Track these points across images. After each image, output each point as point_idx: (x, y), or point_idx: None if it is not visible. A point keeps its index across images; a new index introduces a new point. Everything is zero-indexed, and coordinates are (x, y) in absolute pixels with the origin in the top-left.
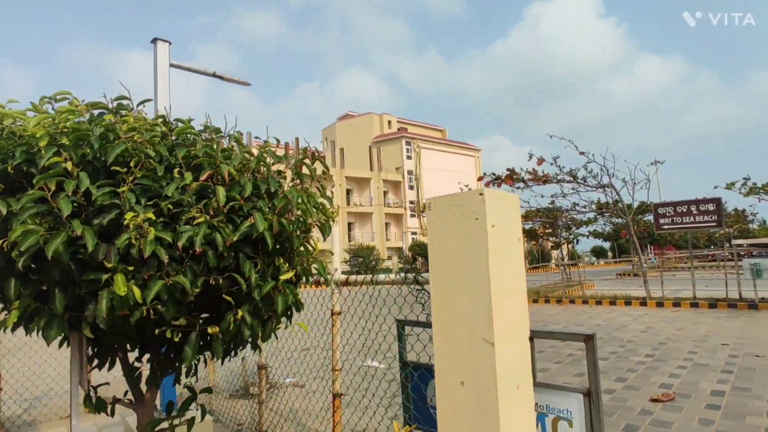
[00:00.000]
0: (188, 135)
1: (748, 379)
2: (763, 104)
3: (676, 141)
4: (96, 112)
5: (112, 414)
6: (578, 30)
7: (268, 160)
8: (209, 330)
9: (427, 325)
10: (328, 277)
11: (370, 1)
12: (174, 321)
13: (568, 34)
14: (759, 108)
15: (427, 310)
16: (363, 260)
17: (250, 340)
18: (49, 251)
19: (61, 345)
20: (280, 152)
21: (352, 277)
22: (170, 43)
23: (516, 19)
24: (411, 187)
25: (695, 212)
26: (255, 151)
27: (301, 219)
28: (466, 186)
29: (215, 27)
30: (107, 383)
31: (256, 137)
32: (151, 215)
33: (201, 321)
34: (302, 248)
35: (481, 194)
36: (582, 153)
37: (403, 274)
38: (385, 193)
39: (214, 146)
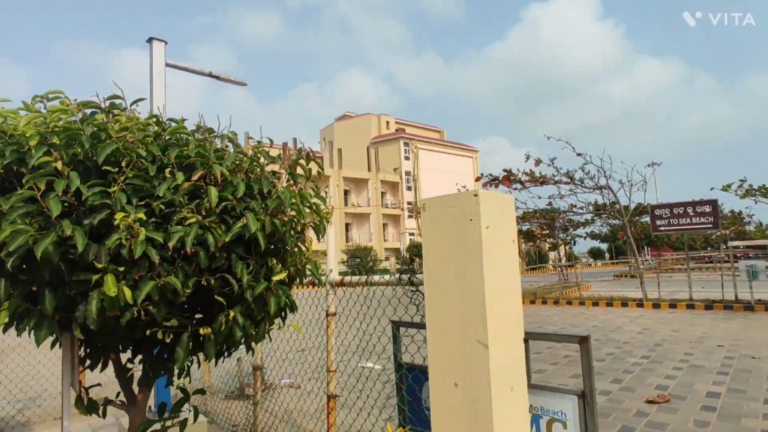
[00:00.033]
0: (181, 135)
1: (743, 381)
2: (760, 106)
3: (673, 143)
4: (88, 111)
5: (104, 415)
6: (576, 32)
7: (261, 160)
8: (201, 331)
9: (422, 326)
10: (323, 278)
11: (369, 2)
12: (165, 322)
13: (567, 35)
14: (756, 110)
15: (421, 311)
16: (360, 261)
17: (242, 341)
18: (38, 251)
19: (53, 346)
20: (274, 152)
21: (347, 278)
22: (166, 43)
23: (514, 21)
24: (409, 188)
25: (692, 214)
26: (251, 152)
27: (295, 219)
28: (464, 187)
29: (215, 27)
30: (99, 384)
31: (250, 137)
32: (142, 215)
33: (194, 322)
34: (296, 249)
35: (475, 195)
36: (579, 154)
37: (398, 276)
38: (382, 193)
39: (207, 146)
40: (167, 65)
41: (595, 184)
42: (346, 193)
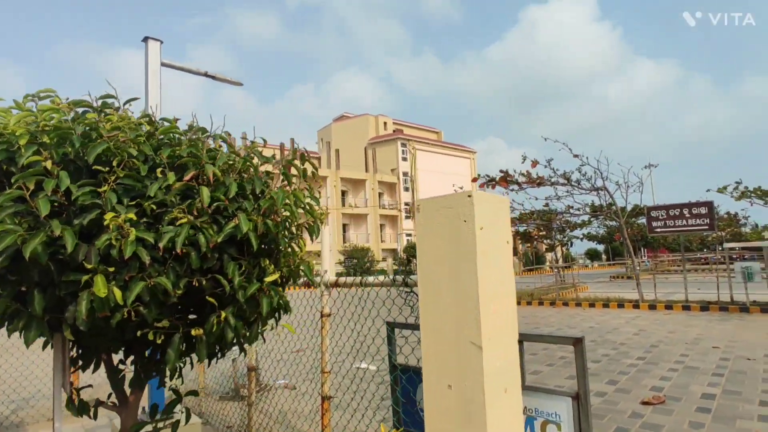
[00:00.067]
0: (173, 135)
1: (738, 383)
2: (756, 108)
3: (671, 144)
4: (80, 110)
5: (95, 417)
6: (573, 33)
7: (255, 160)
8: (193, 332)
9: (417, 327)
10: (317, 279)
11: (367, 2)
12: (156, 323)
13: (564, 37)
14: (752, 112)
15: (415, 312)
16: (357, 262)
17: (234, 342)
18: (27, 252)
19: (44, 347)
20: (269, 152)
21: (342, 279)
22: (161, 42)
23: (512, 22)
24: (406, 189)
25: (687, 215)
26: (244, 152)
27: (289, 220)
28: (461, 188)
29: (214, 27)
30: (90, 386)
31: (243, 138)
32: (132, 216)
33: (187, 323)
34: (289, 250)
35: (469, 196)
36: (576, 156)
37: (392, 277)
38: (380, 194)
39: (200, 146)
40: (163, 65)
41: (591, 185)
42: (343, 193)
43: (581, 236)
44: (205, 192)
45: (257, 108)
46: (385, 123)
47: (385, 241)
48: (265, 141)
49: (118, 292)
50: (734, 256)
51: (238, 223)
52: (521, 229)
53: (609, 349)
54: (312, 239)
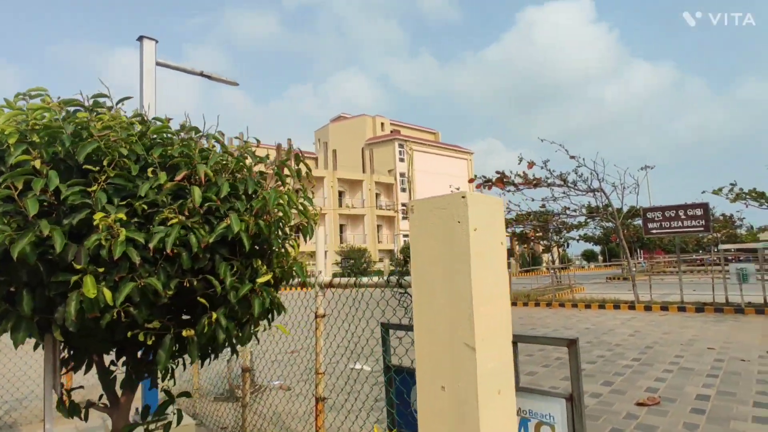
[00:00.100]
0: (166, 134)
1: (733, 384)
2: (752, 110)
3: (666, 146)
4: (71, 109)
5: (86, 418)
6: (570, 35)
7: (248, 160)
8: (184, 333)
9: (411, 328)
10: (312, 279)
11: (365, 3)
12: (147, 324)
13: (561, 39)
14: (748, 114)
15: (409, 313)
16: (354, 262)
17: (226, 343)
18: (15, 252)
19: (35, 348)
20: (263, 152)
21: (336, 280)
22: (157, 41)
23: (510, 24)
24: (403, 190)
25: (683, 217)
26: (237, 152)
27: (282, 221)
28: (458, 189)
29: (213, 27)
30: (81, 387)
31: (236, 137)
32: (122, 215)
33: (179, 323)
34: (282, 250)
35: (463, 197)
36: (573, 157)
37: (386, 278)
38: (377, 195)
39: (192, 146)
40: (158, 64)
41: (588, 186)
42: (340, 194)
43: (578, 237)
44: (197, 192)
45: (256, 108)
46: (382, 123)
47: (382, 242)
48: (258, 141)
49: (107, 293)
50: (729, 258)
51: (229, 224)
52: (518, 230)
53: (604, 350)
54: (306, 240)
